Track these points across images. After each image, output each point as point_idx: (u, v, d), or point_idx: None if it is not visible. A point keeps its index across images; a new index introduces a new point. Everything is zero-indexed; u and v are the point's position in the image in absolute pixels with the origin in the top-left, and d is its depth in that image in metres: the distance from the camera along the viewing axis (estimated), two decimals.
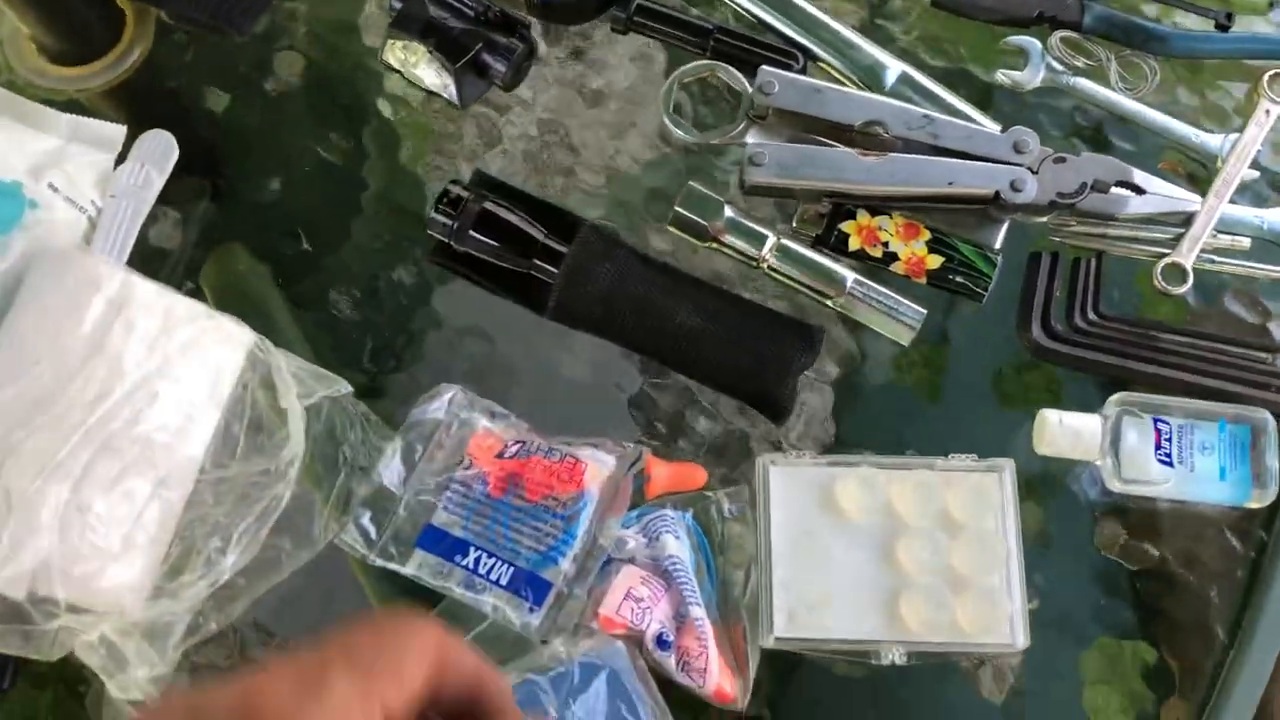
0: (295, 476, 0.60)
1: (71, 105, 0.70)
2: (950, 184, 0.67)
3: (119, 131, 0.66)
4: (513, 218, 0.66)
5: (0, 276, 0.59)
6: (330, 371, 0.63)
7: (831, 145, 0.69)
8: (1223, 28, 0.74)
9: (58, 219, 0.63)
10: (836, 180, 0.68)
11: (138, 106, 0.71)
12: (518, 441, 0.63)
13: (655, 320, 0.66)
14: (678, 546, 0.61)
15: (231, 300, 0.67)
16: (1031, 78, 0.73)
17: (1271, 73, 0.72)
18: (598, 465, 0.62)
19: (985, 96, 0.74)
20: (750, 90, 0.69)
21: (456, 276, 0.69)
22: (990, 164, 0.68)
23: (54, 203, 0.63)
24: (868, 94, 0.69)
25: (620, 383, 0.68)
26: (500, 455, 0.62)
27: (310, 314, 0.69)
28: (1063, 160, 0.68)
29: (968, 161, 0.68)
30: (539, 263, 0.66)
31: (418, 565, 0.60)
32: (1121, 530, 0.66)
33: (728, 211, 0.68)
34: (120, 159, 0.67)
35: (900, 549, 0.63)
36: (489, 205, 0.66)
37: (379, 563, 0.60)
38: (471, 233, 0.66)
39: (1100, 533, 0.66)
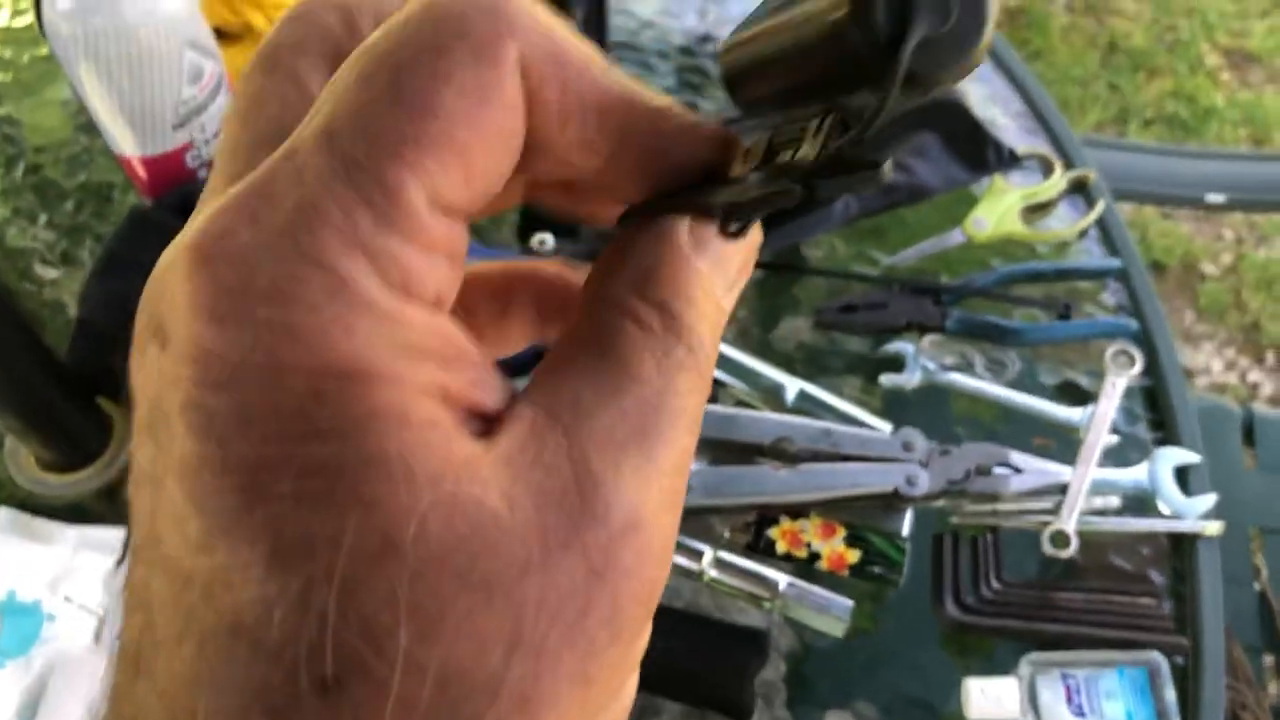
0: None
1: (73, 508, 0.78)
2: (854, 486, 0.77)
3: (119, 535, 0.74)
4: None
5: (23, 694, 0.65)
6: None
7: (750, 461, 0.79)
8: (1064, 317, 0.87)
9: (72, 627, 0.69)
10: (757, 494, 0.77)
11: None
12: None
13: None
14: None
15: None
16: (910, 378, 0.85)
17: (1112, 350, 0.85)
18: None
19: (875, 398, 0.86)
20: None
21: None
22: (886, 463, 0.78)
23: (68, 612, 0.70)
24: (772, 415, 0.80)
25: None
26: None
27: None
28: (947, 452, 0.79)
29: (866, 464, 0.78)
30: None
31: None
32: None
33: None
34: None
35: None
36: None
37: None
38: None
39: None
